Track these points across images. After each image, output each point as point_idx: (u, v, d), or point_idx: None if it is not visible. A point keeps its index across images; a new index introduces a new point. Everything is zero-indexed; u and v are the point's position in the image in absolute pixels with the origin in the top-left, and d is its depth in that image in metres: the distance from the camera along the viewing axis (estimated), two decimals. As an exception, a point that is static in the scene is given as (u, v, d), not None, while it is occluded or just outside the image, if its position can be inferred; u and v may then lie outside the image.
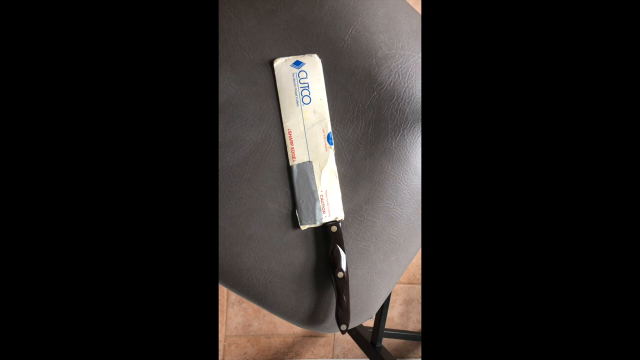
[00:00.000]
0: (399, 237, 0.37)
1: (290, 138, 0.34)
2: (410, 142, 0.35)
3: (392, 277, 0.39)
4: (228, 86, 0.33)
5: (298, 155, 0.34)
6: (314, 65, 0.33)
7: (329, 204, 0.34)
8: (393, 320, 0.98)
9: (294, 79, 0.33)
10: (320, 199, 0.34)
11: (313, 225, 0.34)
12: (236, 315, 0.92)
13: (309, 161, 0.34)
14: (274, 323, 0.93)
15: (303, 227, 0.34)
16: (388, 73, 0.34)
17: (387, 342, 0.97)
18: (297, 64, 0.33)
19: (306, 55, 0.33)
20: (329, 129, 0.34)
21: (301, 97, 0.34)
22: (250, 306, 0.92)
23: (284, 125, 0.34)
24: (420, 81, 0.35)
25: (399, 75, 0.35)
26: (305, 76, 0.33)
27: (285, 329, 0.94)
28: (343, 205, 0.35)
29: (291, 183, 0.34)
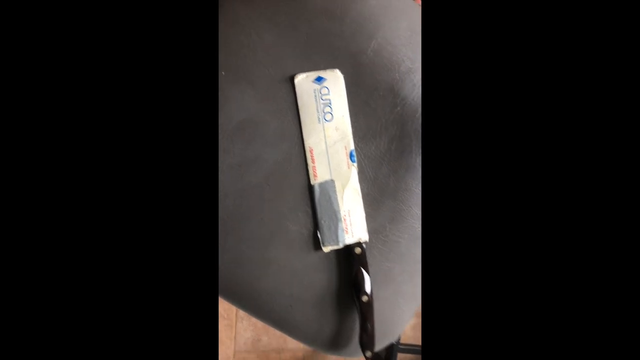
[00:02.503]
0: (424, 257, 0.36)
1: (312, 156, 0.32)
2: (435, 158, 0.34)
3: (416, 299, 0.37)
4: (248, 104, 0.32)
5: (320, 173, 0.32)
6: (336, 80, 0.32)
7: (352, 224, 0.33)
8: (406, 333, 0.96)
9: (315, 95, 0.32)
10: (343, 220, 0.33)
11: (336, 247, 0.33)
12: (245, 330, 0.90)
13: (331, 180, 0.32)
14: (284, 338, 0.91)
15: (325, 249, 0.33)
16: (412, 87, 0.33)
17: (401, 358, 0.95)
18: (319, 79, 0.32)
19: (328, 71, 0.32)
20: (352, 146, 0.33)
21: (323, 113, 0.32)
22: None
23: (305, 143, 0.32)
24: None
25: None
26: (327, 92, 0.32)
27: (296, 343, 0.92)
28: (367, 225, 0.33)
29: (313, 203, 0.33)
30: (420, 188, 0.34)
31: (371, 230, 0.34)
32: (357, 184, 0.33)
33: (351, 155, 0.33)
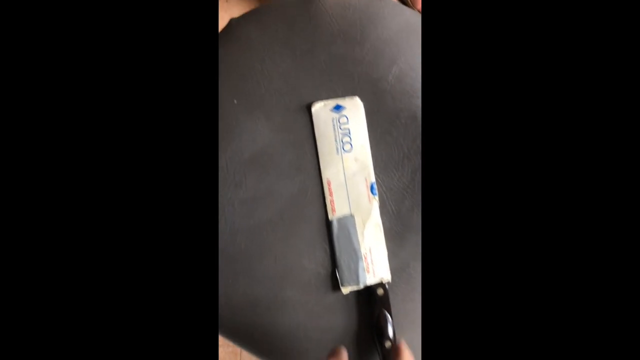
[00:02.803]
0: (450, 296, 0.33)
1: (330, 189, 0.30)
2: (461, 189, 0.32)
3: (441, 340, 0.34)
4: (262, 134, 0.30)
5: (338, 207, 0.30)
6: (355, 109, 0.30)
7: (374, 262, 0.30)
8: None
9: (333, 125, 0.30)
10: (364, 258, 0.30)
11: (356, 288, 0.30)
12: (251, 358, 0.86)
13: (351, 215, 0.30)
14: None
15: (345, 291, 0.30)
16: (436, 115, 0.31)
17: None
18: (338, 108, 0.30)
19: (347, 98, 0.30)
20: (373, 178, 0.30)
21: (342, 143, 0.30)
22: None
23: (323, 175, 0.30)
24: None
25: (447, 117, 0.31)
26: (346, 121, 0.30)
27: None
28: (389, 263, 0.31)
29: (331, 239, 0.30)
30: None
31: (394, 268, 0.31)
32: (379, 218, 0.30)
33: (372, 188, 0.30)
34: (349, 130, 0.30)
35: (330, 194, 0.30)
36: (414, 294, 0.32)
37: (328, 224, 0.30)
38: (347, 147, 0.30)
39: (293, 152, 0.30)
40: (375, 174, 0.31)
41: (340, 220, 0.30)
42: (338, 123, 0.30)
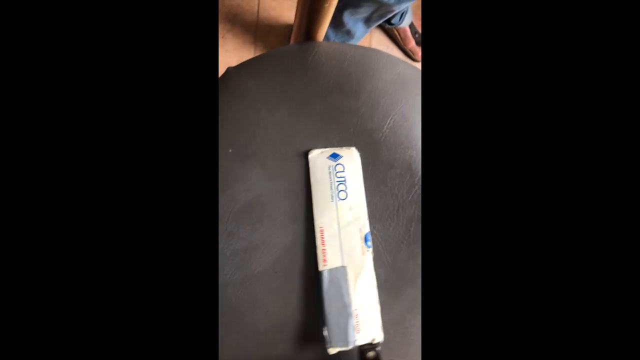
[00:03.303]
0: (446, 349, 0.32)
1: (322, 238, 0.29)
2: (456, 239, 0.31)
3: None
4: (256, 183, 0.30)
5: (330, 258, 0.29)
6: (351, 158, 0.30)
7: (365, 321, 0.28)
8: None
9: (329, 172, 0.30)
10: (354, 315, 0.28)
11: (345, 349, 0.28)
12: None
13: (342, 266, 0.28)
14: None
15: (332, 351, 0.28)
16: (430, 165, 0.31)
17: None
18: (334, 156, 0.30)
19: (344, 148, 0.30)
20: (367, 229, 0.30)
21: (337, 191, 0.30)
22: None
23: (316, 223, 0.29)
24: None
25: (442, 168, 0.32)
26: (342, 170, 0.30)
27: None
28: (383, 316, 0.30)
29: (320, 292, 0.28)
30: (441, 273, 0.31)
31: (389, 322, 0.30)
32: (373, 272, 0.29)
33: (366, 239, 0.29)
34: (344, 178, 0.30)
35: (323, 244, 0.29)
36: (409, 347, 0.31)
37: (318, 275, 0.29)
38: (342, 195, 0.30)
39: (287, 200, 0.30)
40: (371, 224, 0.31)
41: (331, 271, 0.28)
42: (334, 171, 0.30)
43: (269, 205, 0.30)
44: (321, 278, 0.28)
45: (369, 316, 0.28)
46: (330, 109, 0.31)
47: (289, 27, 0.88)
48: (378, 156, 0.31)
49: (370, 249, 0.29)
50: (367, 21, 0.67)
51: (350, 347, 0.28)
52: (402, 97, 0.32)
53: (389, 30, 0.95)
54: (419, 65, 0.98)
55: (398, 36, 0.94)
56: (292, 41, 0.35)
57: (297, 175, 0.30)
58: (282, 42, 0.89)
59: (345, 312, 0.28)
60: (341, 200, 0.30)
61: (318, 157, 0.30)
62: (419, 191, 0.31)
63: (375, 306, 0.29)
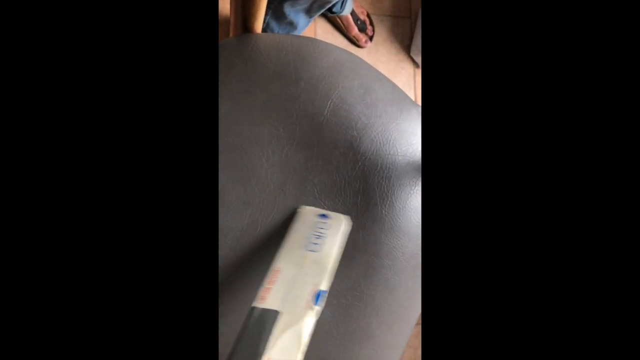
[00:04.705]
0: (400, 307, 0.35)
1: (274, 277, 0.26)
2: (399, 208, 0.35)
3: (397, 349, 0.37)
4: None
5: (270, 297, 0.25)
6: (338, 225, 0.30)
7: None
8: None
9: (313, 225, 0.29)
10: None
11: None
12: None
13: (277, 311, 0.24)
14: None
15: None
16: (370, 143, 0.34)
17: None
18: (323, 216, 0.31)
19: (336, 214, 0.31)
20: (324, 287, 0.26)
21: (310, 243, 0.28)
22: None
23: (274, 264, 0.27)
24: (402, 146, 0.35)
25: (380, 144, 0.35)
26: (325, 228, 0.29)
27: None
28: (340, 283, 0.33)
29: (243, 329, 0.24)
30: (389, 239, 0.34)
31: (346, 288, 0.33)
32: (306, 334, 0.24)
33: (317, 297, 0.25)
34: (323, 235, 0.29)
35: (271, 282, 0.26)
36: (365, 309, 0.34)
37: (250, 311, 0.24)
38: (314, 247, 0.28)
39: (240, 187, 0.31)
40: (321, 201, 0.33)
41: (263, 311, 0.24)
42: (316, 226, 0.30)
43: (222, 194, 0.31)
44: (250, 314, 0.24)
45: None
46: (272, 97, 0.33)
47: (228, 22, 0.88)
48: (322, 138, 0.33)
49: (317, 308, 0.25)
50: (308, 11, 0.69)
51: None
52: (339, 81, 0.34)
53: (333, 19, 0.98)
54: (364, 52, 1.01)
55: (342, 24, 0.97)
56: (230, 35, 0.36)
57: (245, 164, 0.32)
58: (223, 36, 0.88)
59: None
60: (310, 252, 0.27)
61: (307, 213, 0.31)
62: (362, 167, 0.34)
63: None
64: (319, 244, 0.27)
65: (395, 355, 0.37)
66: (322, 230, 0.28)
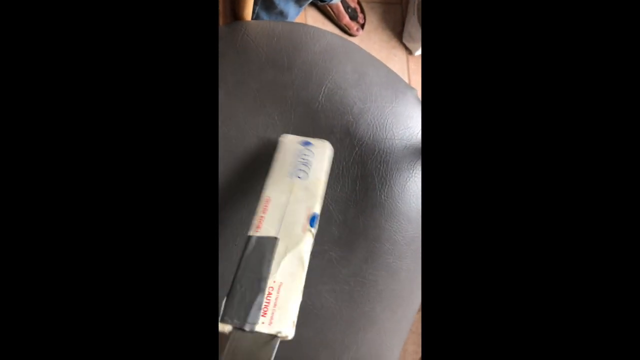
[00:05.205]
0: (402, 291, 0.35)
1: (265, 206, 0.26)
2: (398, 192, 0.35)
3: (401, 333, 0.37)
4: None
5: (265, 226, 0.25)
6: (323, 149, 0.30)
7: (278, 308, 0.22)
8: None
9: (295, 154, 0.29)
10: (266, 293, 0.22)
11: (238, 328, 0.21)
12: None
13: (275, 237, 0.24)
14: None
15: (222, 328, 0.21)
16: (366, 127, 0.34)
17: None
18: (306, 144, 0.30)
19: (318, 140, 0.31)
20: (317, 210, 0.26)
21: (296, 170, 0.28)
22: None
23: (264, 193, 0.27)
24: (398, 130, 0.35)
25: (377, 128, 0.34)
26: (309, 155, 0.29)
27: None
28: (343, 269, 0.33)
29: (241, 257, 0.24)
30: (389, 223, 0.34)
31: (349, 274, 0.33)
32: (307, 254, 0.24)
33: (312, 219, 0.26)
34: (308, 162, 0.29)
35: (264, 211, 0.25)
36: (368, 294, 0.34)
37: (247, 240, 0.24)
38: (301, 174, 0.28)
39: (239, 175, 0.31)
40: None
41: (260, 239, 0.24)
42: (300, 154, 0.29)
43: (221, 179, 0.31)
44: (247, 244, 0.24)
45: (285, 302, 0.22)
46: (266, 85, 0.32)
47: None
48: (318, 124, 0.33)
49: (313, 230, 0.25)
50: (298, 0, 0.68)
51: (246, 329, 0.21)
52: (332, 66, 0.34)
53: (323, 8, 0.96)
54: (356, 40, 1.01)
55: (332, 13, 0.96)
56: (220, 23, 0.35)
57: (250, 151, 0.32)
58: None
59: (257, 285, 0.22)
60: (298, 179, 0.27)
61: (289, 142, 0.30)
62: (359, 152, 0.34)
63: (297, 294, 0.23)
64: (306, 170, 0.28)
65: (401, 339, 0.37)
66: (306, 157, 0.28)
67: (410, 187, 0.35)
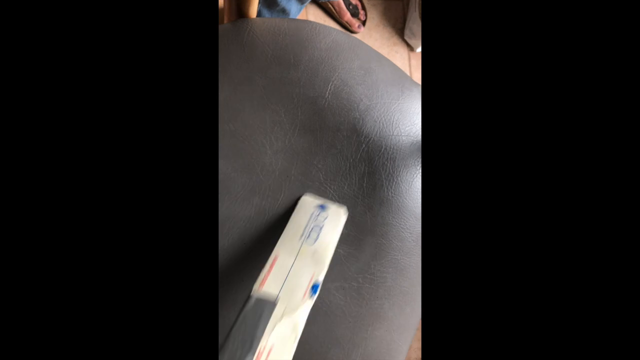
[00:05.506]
0: (411, 288, 0.35)
1: (273, 263, 0.27)
2: (405, 188, 0.34)
3: (409, 330, 0.37)
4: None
5: (269, 284, 0.26)
6: (337, 216, 0.30)
7: None
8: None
9: (310, 216, 0.30)
10: (257, 353, 0.23)
11: None
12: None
13: (273, 302, 0.25)
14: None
15: None
16: (373, 124, 0.34)
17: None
18: (322, 207, 0.30)
19: (335, 204, 0.31)
20: (320, 279, 0.27)
21: (308, 233, 0.29)
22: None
23: (275, 249, 0.28)
24: (405, 126, 0.35)
25: (383, 125, 0.34)
26: (322, 220, 0.30)
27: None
28: (351, 266, 0.33)
29: (240, 311, 0.25)
30: (397, 220, 0.34)
31: (357, 270, 0.33)
32: (302, 324, 0.25)
33: (314, 287, 0.26)
34: (321, 228, 0.29)
35: (270, 268, 0.26)
36: (377, 291, 0.34)
37: (248, 297, 0.26)
38: (311, 239, 0.28)
39: (246, 176, 0.31)
40: (327, 185, 0.33)
41: (259, 301, 0.25)
42: (314, 217, 0.30)
43: (226, 181, 0.31)
44: (247, 301, 0.25)
45: None
46: (272, 82, 0.32)
47: (222, 10, 0.87)
48: (325, 121, 0.33)
49: (313, 299, 0.26)
50: (300, -3, 0.68)
51: None
52: (339, 63, 0.34)
53: (324, 5, 0.96)
54: (357, 37, 1.00)
55: (333, 10, 0.95)
56: (225, 21, 0.35)
57: (250, 153, 0.31)
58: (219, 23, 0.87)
59: (249, 345, 0.23)
60: (307, 242, 0.28)
61: (307, 203, 0.30)
62: (366, 149, 0.34)
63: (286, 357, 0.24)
64: (317, 235, 0.28)
65: (409, 336, 0.37)
66: (319, 221, 0.29)
67: (417, 184, 0.35)
